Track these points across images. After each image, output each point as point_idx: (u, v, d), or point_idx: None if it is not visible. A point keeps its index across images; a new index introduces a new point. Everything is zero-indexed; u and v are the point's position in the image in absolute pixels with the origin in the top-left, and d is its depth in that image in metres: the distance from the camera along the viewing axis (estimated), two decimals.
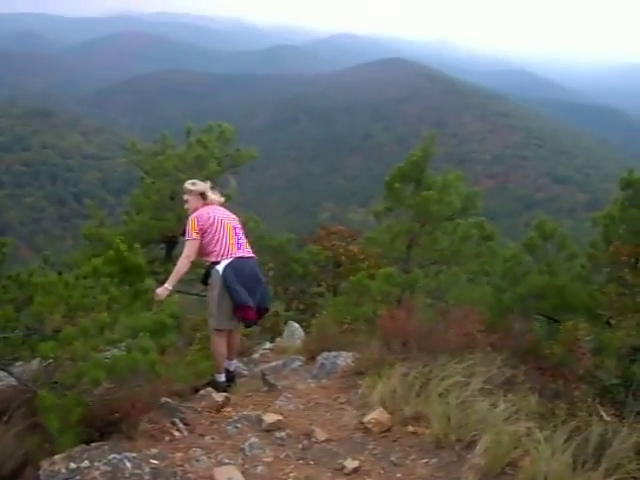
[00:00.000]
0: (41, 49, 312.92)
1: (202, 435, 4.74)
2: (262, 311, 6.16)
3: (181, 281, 6.29)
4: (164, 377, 4.92)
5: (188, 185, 6.28)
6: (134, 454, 4.11)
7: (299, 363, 6.81)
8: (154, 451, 4.27)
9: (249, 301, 5.80)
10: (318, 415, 5.17)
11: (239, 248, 5.99)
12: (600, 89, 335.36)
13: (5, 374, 5.22)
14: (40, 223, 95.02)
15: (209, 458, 4.28)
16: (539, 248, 9.00)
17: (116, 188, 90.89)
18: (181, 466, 4.13)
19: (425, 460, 4.25)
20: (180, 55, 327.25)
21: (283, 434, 4.72)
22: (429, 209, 10.46)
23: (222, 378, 6.05)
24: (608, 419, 4.57)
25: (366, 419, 4.79)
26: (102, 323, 4.59)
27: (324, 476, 4.14)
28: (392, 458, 4.32)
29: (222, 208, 6.28)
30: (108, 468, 3.91)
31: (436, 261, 11.15)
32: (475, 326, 5.89)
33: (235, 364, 6.47)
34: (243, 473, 4.06)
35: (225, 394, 5.66)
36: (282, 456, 4.39)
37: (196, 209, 6.14)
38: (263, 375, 6.40)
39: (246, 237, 6.24)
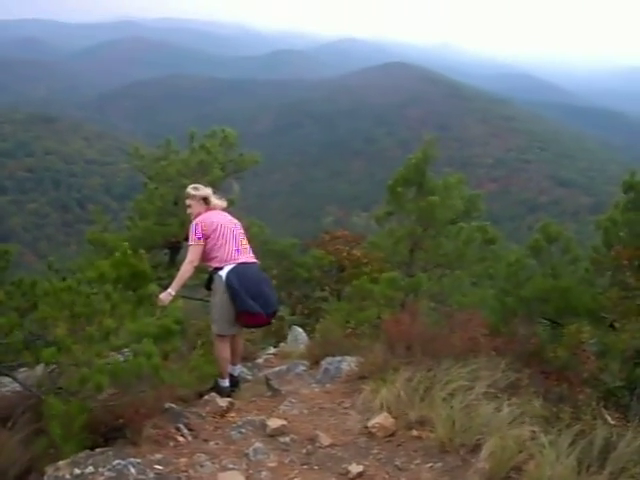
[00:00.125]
0: (43, 55, 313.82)
1: (206, 440, 4.74)
2: (270, 315, 6.14)
3: (185, 286, 6.28)
4: (168, 382, 4.92)
5: (191, 190, 6.27)
6: (138, 460, 4.12)
7: (303, 368, 6.80)
8: (158, 456, 4.28)
9: (254, 307, 5.79)
10: (322, 420, 5.17)
11: (242, 253, 5.98)
12: (602, 92, 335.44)
13: (10, 380, 5.23)
14: (44, 229, 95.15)
15: (213, 463, 4.28)
16: (544, 251, 8.98)
17: (119, 193, 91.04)
18: (185, 471, 4.14)
19: (430, 464, 4.25)
20: (183, 60, 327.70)
21: (287, 439, 4.71)
22: (433, 213, 10.47)
23: (226, 383, 6.04)
24: (613, 422, 4.56)
25: (370, 424, 4.79)
26: (107, 329, 4.60)
27: None
28: (396, 462, 4.31)
29: (225, 213, 6.27)
30: (112, 474, 3.92)
31: (439, 265, 11.14)
32: (479, 330, 5.88)
33: (239, 369, 6.47)
34: (247, 478, 4.07)
35: (229, 399, 5.66)
36: (286, 461, 4.39)
37: (199, 214, 6.14)
38: (267, 380, 6.40)
39: (249, 242, 6.24)
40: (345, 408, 5.37)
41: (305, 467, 4.33)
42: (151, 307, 5.31)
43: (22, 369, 5.48)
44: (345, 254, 16.28)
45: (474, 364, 5.11)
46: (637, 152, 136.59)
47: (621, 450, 3.86)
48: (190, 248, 6.01)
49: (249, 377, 7.06)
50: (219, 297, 5.84)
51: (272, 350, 9.21)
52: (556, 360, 6.70)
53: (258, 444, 4.53)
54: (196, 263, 5.99)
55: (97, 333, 4.58)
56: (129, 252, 5.25)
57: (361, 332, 8.28)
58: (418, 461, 4.31)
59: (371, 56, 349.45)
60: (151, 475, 3.98)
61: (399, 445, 4.56)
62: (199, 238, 5.93)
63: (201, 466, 4.22)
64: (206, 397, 5.72)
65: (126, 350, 4.76)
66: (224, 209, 6.36)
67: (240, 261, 5.91)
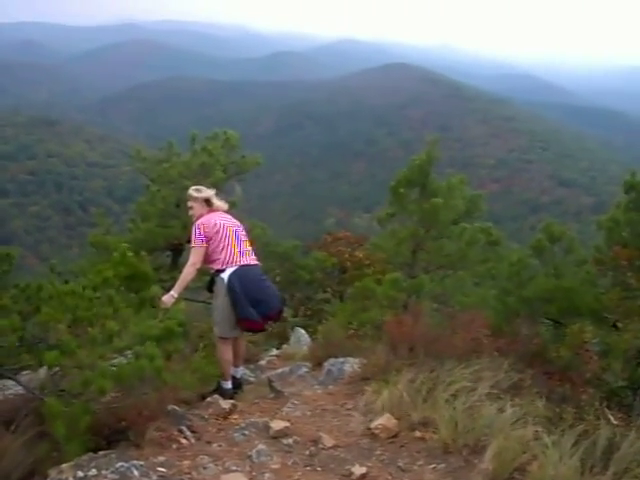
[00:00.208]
0: (45, 58, 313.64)
1: (209, 442, 4.74)
2: (276, 314, 6.15)
3: (187, 288, 6.29)
4: (171, 384, 4.92)
5: (192, 192, 6.27)
6: (141, 462, 4.12)
7: (306, 369, 6.80)
8: (161, 459, 4.28)
9: (253, 315, 5.79)
10: (325, 421, 5.17)
11: (244, 256, 5.99)
12: (602, 91, 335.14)
13: (13, 383, 5.23)
14: (46, 232, 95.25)
15: (216, 465, 4.28)
16: (546, 251, 8.98)
17: (121, 196, 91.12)
18: (188, 474, 4.13)
19: (433, 465, 4.24)
20: (184, 62, 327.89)
21: (290, 441, 4.71)
22: (436, 215, 10.47)
23: (228, 385, 6.05)
24: (616, 423, 4.55)
25: (373, 425, 4.78)
26: (110, 331, 4.60)
27: None
28: (400, 464, 4.31)
29: (227, 215, 6.27)
30: (116, 476, 3.92)
31: (442, 266, 11.14)
32: (481, 331, 5.88)
33: (241, 371, 6.47)
34: None
35: (232, 401, 5.66)
36: (289, 463, 4.39)
37: (201, 216, 6.13)
38: (270, 382, 6.40)
39: (251, 244, 6.24)
40: (348, 409, 5.37)
41: (308, 469, 4.33)
42: (153, 309, 5.31)
43: (25, 372, 5.48)
44: (347, 256, 16.28)
45: (477, 365, 5.10)
46: (638, 152, 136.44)
47: (624, 450, 3.86)
48: (192, 250, 6.01)
49: (252, 379, 7.06)
50: (221, 300, 5.84)
51: (275, 352, 9.22)
52: (559, 360, 6.70)
53: (261, 446, 4.53)
54: (198, 265, 5.99)
55: (100, 335, 4.59)
56: (129, 253, 5.25)
57: (363, 333, 8.27)
58: (421, 462, 4.31)
59: (371, 57, 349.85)
60: (154, 477, 3.99)
61: (402, 446, 4.55)
62: (201, 240, 5.92)
63: (204, 468, 4.22)
64: (209, 399, 5.72)
65: (129, 352, 4.76)
66: (226, 211, 6.36)
67: (242, 263, 5.91)
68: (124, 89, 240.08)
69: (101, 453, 4.25)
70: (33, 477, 4.23)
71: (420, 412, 4.76)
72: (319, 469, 4.32)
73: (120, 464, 4.02)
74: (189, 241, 6.20)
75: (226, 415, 5.35)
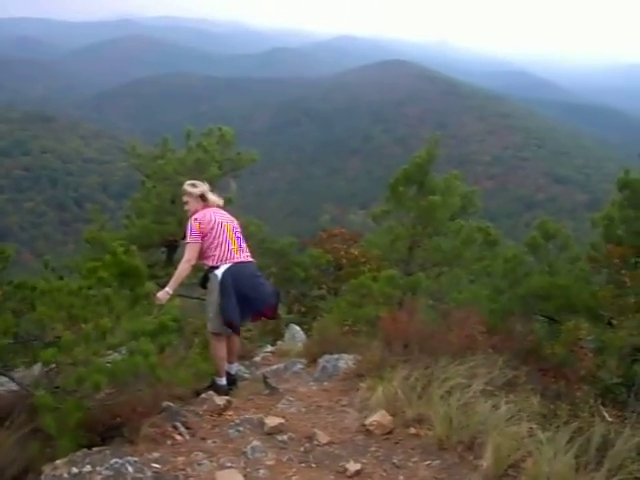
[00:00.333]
0: (40, 54, 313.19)
1: (204, 439, 4.73)
2: (270, 311, 6.16)
3: (182, 285, 6.27)
4: (165, 381, 4.91)
5: (188, 187, 6.25)
6: (136, 458, 4.12)
7: (300, 366, 6.80)
8: (156, 455, 4.27)
9: (235, 319, 5.80)
10: (320, 418, 5.17)
11: (238, 252, 5.98)
12: (598, 89, 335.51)
13: (6, 379, 5.22)
14: (41, 228, 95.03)
15: (211, 462, 4.27)
16: (541, 248, 8.99)
17: (116, 192, 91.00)
18: (183, 470, 4.13)
19: (427, 462, 4.25)
20: (180, 59, 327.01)
21: (285, 437, 4.71)
22: (433, 213, 10.49)
23: (223, 381, 6.04)
24: (610, 420, 4.57)
25: (368, 421, 4.79)
26: (104, 328, 4.59)
27: (326, 479, 4.13)
28: (394, 460, 4.31)
29: (222, 211, 6.26)
30: (110, 472, 3.91)
31: (437, 263, 11.15)
32: (476, 328, 5.89)
33: (236, 367, 6.46)
34: (245, 477, 4.06)
35: (227, 397, 5.65)
36: (284, 459, 4.39)
37: (196, 211, 6.12)
38: (264, 378, 6.39)
39: (246, 241, 6.23)
40: (343, 406, 5.37)
41: (303, 465, 4.33)
42: (147, 305, 5.30)
43: (19, 369, 5.47)
44: (342, 253, 16.29)
45: (471, 362, 5.11)
46: (633, 149, 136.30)
47: (619, 447, 3.86)
48: (187, 246, 6.00)
49: (246, 375, 7.06)
50: (214, 296, 5.83)
51: (270, 348, 9.22)
52: (553, 357, 6.72)
53: (256, 442, 4.53)
54: (193, 262, 5.97)
55: (94, 332, 4.58)
56: (120, 250, 5.24)
57: (359, 330, 8.28)
58: (416, 459, 4.31)
59: (368, 54, 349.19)
60: (149, 474, 3.98)
61: (397, 443, 4.56)
62: (196, 237, 5.91)
63: (199, 464, 4.21)
64: (203, 395, 5.71)
65: (122, 348, 4.75)
66: (221, 207, 6.34)
67: (236, 260, 5.90)
68: (120, 85, 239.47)
69: (95, 449, 4.24)
70: (27, 474, 4.22)
71: (415, 409, 4.76)
72: (314, 465, 4.32)
73: (114, 460, 4.02)
74: (184, 237, 6.19)
75: (221, 411, 5.35)
